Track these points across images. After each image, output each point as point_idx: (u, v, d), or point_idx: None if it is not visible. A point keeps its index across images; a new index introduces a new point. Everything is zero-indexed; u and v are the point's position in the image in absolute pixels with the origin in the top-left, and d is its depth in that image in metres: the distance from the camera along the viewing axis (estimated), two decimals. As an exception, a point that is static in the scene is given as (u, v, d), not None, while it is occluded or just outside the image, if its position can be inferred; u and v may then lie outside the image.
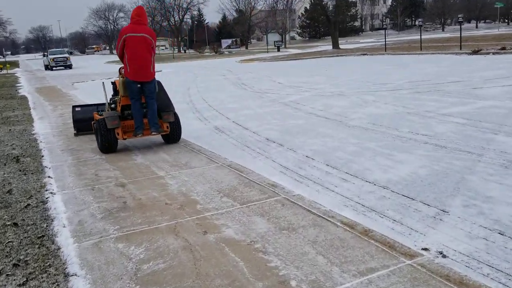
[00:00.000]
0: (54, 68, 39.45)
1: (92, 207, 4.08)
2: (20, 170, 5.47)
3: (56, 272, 2.80)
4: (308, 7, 78.08)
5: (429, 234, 3.38)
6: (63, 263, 2.92)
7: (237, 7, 79.93)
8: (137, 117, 6.21)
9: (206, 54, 58.77)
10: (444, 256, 3.03)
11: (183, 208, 3.94)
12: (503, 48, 21.01)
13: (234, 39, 76.98)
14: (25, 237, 3.37)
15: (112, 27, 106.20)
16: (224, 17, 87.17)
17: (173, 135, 6.61)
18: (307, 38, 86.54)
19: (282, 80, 16.82)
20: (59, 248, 3.16)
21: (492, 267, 2.86)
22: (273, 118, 9.00)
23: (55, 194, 4.50)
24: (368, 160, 5.53)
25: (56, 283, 2.67)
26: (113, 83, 6.84)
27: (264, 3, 60.84)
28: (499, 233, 3.32)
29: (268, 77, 18.68)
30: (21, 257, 3.01)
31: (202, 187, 4.52)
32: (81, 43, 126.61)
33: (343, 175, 5.01)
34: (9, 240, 3.30)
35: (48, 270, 2.81)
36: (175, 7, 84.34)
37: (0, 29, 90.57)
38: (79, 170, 5.50)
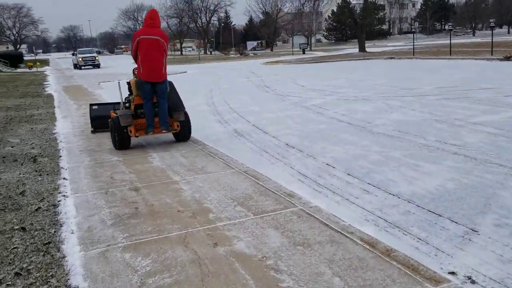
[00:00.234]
0: (82, 67, 40.15)
1: (103, 212, 3.97)
2: (36, 171, 5.44)
3: (58, 283, 2.68)
4: (335, 10, 77.34)
5: (456, 256, 3.13)
6: (66, 274, 2.81)
7: (263, 9, 79.91)
8: (148, 116, 6.48)
9: (231, 56, 58.89)
10: (473, 282, 2.78)
11: (195, 216, 3.78)
12: (538, 54, 20.21)
13: (259, 41, 76.96)
14: (31, 243, 3.28)
15: (140, 28, 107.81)
16: (251, 19, 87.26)
17: (183, 134, 6.90)
18: (333, 41, 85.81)
19: (305, 83, 16.58)
20: (64, 257, 3.05)
21: (527, 297, 2.59)
22: (294, 122, 8.80)
23: (67, 197, 4.42)
24: (392, 171, 5.27)
25: (57, 295, 2.55)
26: (128, 83, 7.06)
27: (290, 6, 60.45)
28: (535, 257, 3.05)
29: (292, 79, 18.46)
30: (24, 266, 2.91)
31: (216, 194, 4.36)
32: (110, 43, 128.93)
33: (364, 186, 4.77)
34: (15, 246, 3.21)
35: (49, 281, 2.69)
36: (202, 9, 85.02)
37: (32, 27, 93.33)
38: (95, 172, 5.43)
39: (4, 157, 6.27)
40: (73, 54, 48.25)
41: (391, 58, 29.45)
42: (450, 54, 25.67)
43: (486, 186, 4.50)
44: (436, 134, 7.01)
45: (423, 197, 4.31)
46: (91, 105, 8.42)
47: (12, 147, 6.95)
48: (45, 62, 61.05)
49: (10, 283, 2.68)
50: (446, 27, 60.11)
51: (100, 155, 6.36)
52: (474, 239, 3.36)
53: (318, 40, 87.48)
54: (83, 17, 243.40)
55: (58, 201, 4.25)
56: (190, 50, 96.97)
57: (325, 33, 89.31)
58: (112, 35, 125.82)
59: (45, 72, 36.05)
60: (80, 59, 40.69)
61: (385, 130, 7.55)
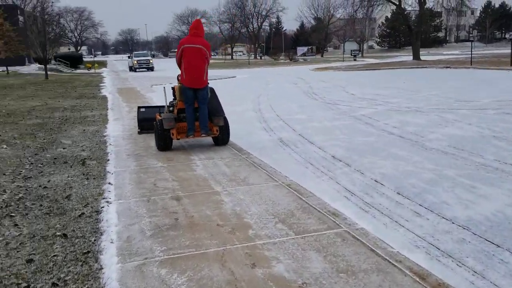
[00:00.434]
0: (137, 70, 41.47)
1: (144, 221, 3.95)
2: (83, 174, 5.55)
3: (92, 296, 2.65)
4: (389, 16, 75.56)
5: (518, 296, 2.83)
6: (102, 287, 2.77)
7: (315, 15, 79.59)
8: (189, 120, 6.84)
9: (281, 61, 58.87)
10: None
11: (234, 232, 3.67)
12: None
13: (310, 47, 76.50)
14: (70, 251, 3.29)
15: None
16: (302, 25, 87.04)
17: (221, 138, 7.18)
18: (386, 48, 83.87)
19: (355, 91, 16.19)
20: (101, 268, 3.02)
21: None
22: (341, 133, 8.54)
23: (111, 203, 4.45)
24: (446, 192, 4.93)
25: (91, 309, 2.51)
26: (173, 88, 7.40)
27: (343, 12, 59.64)
28: None
29: (341, 87, 18.10)
30: (62, 276, 2.91)
31: (257, 208, 4.24)
32: (165, 46, 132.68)
33: (416, 208, 4.48)
34: (55, 254, 3.23)
35: (84, 294, 2.67)
36: (254, 14, 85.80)
37: (92, 30, 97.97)
38: (140, 178, 5.47)
39: (55, 158, 6.47)
40: (128, 57, 50.01)
41: (447, 67, 28.28)
42: (511, 65, 24.27)
43: (553, 215, 4.10)
44: (495, 152, 6.55)
45: (480, 224, 3.98)
46: (139, 107, 8.86)
47: (64, 148, 7.17)
48: (103, 64, 63.73)
49: (46, 293, 2.68)
50: (507, 36, 57.04)
51: (146, 160, 6.43)
52: (539, 277, 3.04)
53: (370, 47, 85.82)
54: (140, 20, 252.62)
55: (101, 207, 4.28)
56: (240, 55, 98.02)
57: (378, 40, 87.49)
58: (167, 39, 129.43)
59: (102, 74, 37.58)
60: (135, 62, 42.09)
61: (438, 146, 7.15)
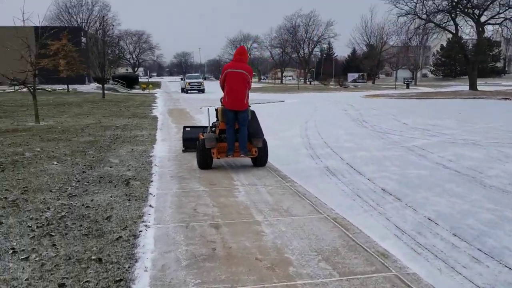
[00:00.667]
0: (188, 91, 42.55)
1: (180, 249, 3.81)
2: (126, 195, 5.54)
3: (119, 331, 2.51)
4: (444, 45, 73.54)
5: None
6: (130, 320, 2.63)
7: (368, 41, 78.79)
8: (230, 140, 7.15)
9: (331, 86, 58.49)
10: None
11: (273, 268, 3.45)
12: None
13: (361, 73, 75.67)
14: (103, 278, 3.19)
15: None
16: (354, 51, 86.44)
17: (260, 159, 7.41)
18: (440, 77, 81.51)
19: (407, 120, 15.60)
20: (131, 299, 2.89)
21: None
22: (392, 164, 8.13)
23: (149, 227, 4.36)
24: (508, 236, 4.47)
25: None
26: (216, 110, 7.73)
27: (396, 39, 58.66)
28: None
29: (393, 115, 17.54)
30: (91, 304, 2.80)
31: (299, 243, 3.99)
32: (217, 69, 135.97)
33: (474, 252, 4.06)
34: (87, 280, 3.14)
35: (111, 327, 2.53)
36: (306, 40, 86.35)
37: (149, 52, 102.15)
38: (181, 201, 5.38)
39: (101, 177, 6.53)
40: (181, 79, 51.52)
41: (506, 99, 26.88)
42: None
43: None
44: None
45: (551, 278, 3.52)
46: (184, 127, 9.30)
47: (111, 167, 7.26)
48: (157, 85, 66.05)
49: (73, 323, 2.57)
50: None
51: (188, 183, 6.36)
52: None
53: (424, 75, 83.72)
54: (195, 44, 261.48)
55: (140, 232, 4.20)
56: (290, 79, 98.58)
57: (432, 68, 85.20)
58: (219, 62, 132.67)
59: (155, 94, 38.80)
60: (187, 83, 43.27)
61: (499, 184, 6.61)
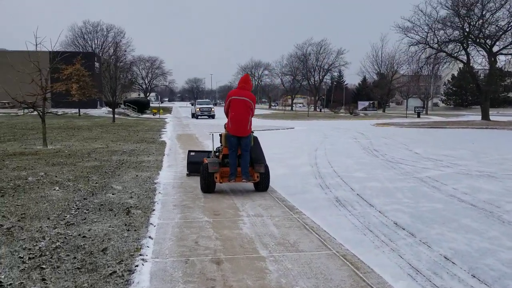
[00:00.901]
0: (199, 117, 42.72)
1: None
2: (125, 224, 5.30)
3: None
4: (456, 74, 73.44)
5: None
6: None
7: (378, 70, 79.00)
8: (232, 165, 7.32)
9: (341, 114, 58.39)
10: None
11: (276, 312, 3.16)
12: None
13: (371, 102, 75.59)
14: (90, 320, 2.94)
15: (256, 83, 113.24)
16: (364, 79, 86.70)
17: (262, 184, 7.53)
18: (451, 106, 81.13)
19: (419, 150, 15.28)
20: None
21: None
22: (404, 196, 7.82)
23: (146, 261, 4.11)
24: (533, 279, 4.13)
25: None
26: (220, 135, 7.92)
27: (407, 68, 58.69)
28: None
29: (404, 145, 17.23)
30: None
31: (305, 283, 3.70)
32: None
33: (496, 298, 3.74)
34: (72, 321, 2.89)
35: None
36: (316, 68, 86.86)
37: (161, 78, 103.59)
38: (182, 233, 5.13)
39: (102, 204, 6.32)
40: (192, 104, 51.85)
41: (522, 129, 26.42)
42: None
43: None
44: None
45: None
46: (189, 151, 9.45)
47: (113, 194, 7.06)
48: (168, 110, 66.58)
49: None
50: None
51: (192, 212, 6.11)
52: None
53: (435, 104, 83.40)
54: (206, 70, 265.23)
55: (135, 266, 3.94)
56: (300, 106, 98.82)
57: (443, 97, 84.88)
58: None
59: (165, 119, 38.96)
60: (198, 109, 43.52)
61: (519, 219, 6.26)
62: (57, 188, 7.40)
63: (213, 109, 44.13)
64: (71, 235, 4.86)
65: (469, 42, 36.50)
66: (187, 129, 26.43)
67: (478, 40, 36.11)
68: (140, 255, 4.27)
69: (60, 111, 26.78)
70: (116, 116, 33.15)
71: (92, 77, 37.28)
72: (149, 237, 4.88)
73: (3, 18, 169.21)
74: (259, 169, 7.41)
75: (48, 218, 5.53)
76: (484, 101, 37.72)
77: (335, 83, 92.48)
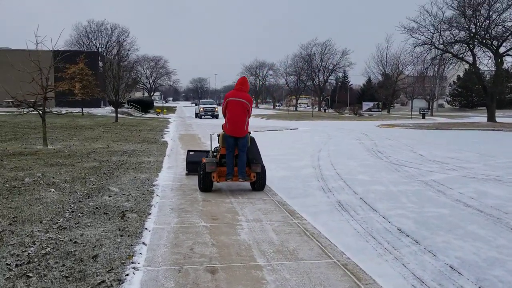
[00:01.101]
0: (202, 117, 42.58)
1: (168, 299, 3.37)
2: (119, 229, 5.13)
3: None
4: (461, 75, 72.96)
5: None
6: None
7: (383, 71, 78.62)
8: (229, 165, 7.48)
9: (345, 115, 58.09)
10: None
11: (271, 327, 2.97)
12: None
13: (376, 102, 75.21)
14: (72, 336, 2.76)
15: (260, 83, 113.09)
16: (369, 80, 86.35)
17: (258, 184, 7.68)
18: (457, 107, 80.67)
19: (424, 152, 15.04)
20: None
21: None
22: (409, 201, 7.60)
23: (138, 270, 3.93)
24: (544, 292, 3.92)
25: None
26: (218, 136, 8.02)
27: (412, 69, 58.32)
28: None
29: (409, 146, 16.99)
30: None
31: (304, 295, 3.51)
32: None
33: (505, 313, 3.53)
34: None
35: None
36: (321, 68, 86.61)
37: (166, 77, 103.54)
38: (177, 238, 4.95)
39: (97, 208, 6.15)
40: (195, 104, 51.70)
41: (528, 131, 26.08)
42: None
43: None
44: None
45: None
46: (188, 151, 9.64)
47: (109, 196, 6.89)
48: (172, 110, 66.50)
49: None
50: None
51: (189, 216, 5.94)
52: None
53: (440, 105, 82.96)
54: (211, 70, 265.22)
55: (126, 275, 3.77)
56: (305, 107, 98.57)
57: (449, 98, 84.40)
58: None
59: (169, 119, 38.83)
60: (201, 109, 43.37)
61: (528, 226, 6.03)
62: (53, 190, 7.24)
63: (216, 109, 43.93)
64: (62, 240, 4.69)
65: (475, 43, 36.15)
66: (190, 129, 26.26)
67: (484, 41, 35.75)
68: (132, 262, 4.09)
69: (64, 110, 26.72)
70: (119, 115, 33.05)
71: (95, 76, 37.21)
72: (143, 243, 4.70)
73: (9, 17, 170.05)
74: (256, 169, 7.54)
75: (41, 222, 5.37)
76: (490, 103, 37.37)
77: (339, 83, 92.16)
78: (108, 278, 3.69)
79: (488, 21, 34.79)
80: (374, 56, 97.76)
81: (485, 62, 37.57)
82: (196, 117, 44.27)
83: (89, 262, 4.05)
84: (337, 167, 11.53)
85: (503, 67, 39.31)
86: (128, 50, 74.69)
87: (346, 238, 5.42)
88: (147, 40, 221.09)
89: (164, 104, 69.72)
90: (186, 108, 79.23)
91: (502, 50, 35.56)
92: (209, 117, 42.64)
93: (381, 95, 74.51)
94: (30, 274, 3.74)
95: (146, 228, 5.25)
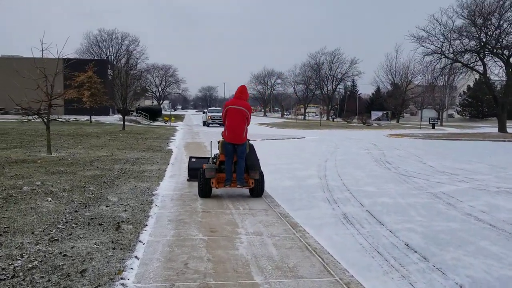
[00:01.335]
0: (210, 125, 42.47)
1: (155, 320, 3.14)
2: (112, 242, 4.92)
3: None
4: (471, 85, 72.26)
5: None
6: None
7: (392, 80, 78.11)
8: (228, 171, 7.62)
9: (354, 124, 57.69)
10: None
11: None
12: None
13: (385, 112, 74.67)
14: None
15: (269, 92, 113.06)
16: (378, 89, 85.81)
17: (256, 190, 7.78)
18: (467, 117, 79.81)
19: (433, 163, 14.69)
20: None
21: None
22: (417, 214, 7.31)
23: (126, 286, 3.71)
24: None
25: None
26: (218, 142, 8.12)
27: (422, 79, 57.83)
28: None
29: (418, 157, 16.64)
30: None
31: (302, 318, 3.26)
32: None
33: None
34: None
35: None
36: (329, 77, 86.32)
37: (175, 86, 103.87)
38: (172, 252, 4.73)
39: (92, 218, 5.96)
40: (203, 112, 51.69)
41: (541, 142, 25.55)
42: None
43: None
44: None
45: None
46: (190, 157, 9.75)
47: (107, 206, 6.70)
48: (180, 118, 66.58)
49: None
50: None
51: (187, 229, 5.71)
52: None
53: (450, 115, 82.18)
54: (220, 79, 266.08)
55: (112, 293, 3.55)
56: (313, 115, 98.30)
57: (459, 109, 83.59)
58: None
59: (176, 127, 38.77)
60: (209, 117, 43.27)
61: (543, 243, 5.72)
62: (49, 199, 7.06)
63: (224, 117, 43.86)
64: (51, 253, 4.49)
65: (486, 52, 35.72)
66: (196, 137, 26.12)
67: (495, 51, 35.33)
68: (121, 278, 3.87)
69: (72, 118, 26.76)
70: (127, 123, 33.05)
71: (104, 85, 37.35)
72: (136, 257, 4.48)
73: (21, 27, 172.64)
74: (254, 176, 7.66)
75: (32, 233, 5.18)
76: (501, 113, 36.79)
77: (348, 92, 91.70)
78: (93, 296, 3.47)
79: (499, 30, 34.39)
80: (383, 65, 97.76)
81: (496, 72, 37.19)
82: (203, 125, 44.21)
83: (76, 278, 3.84)
84: (343, 177, 11.26)
85: (514, 77, 38.70)
86: (138, 59, 75.17)
87: (351, 254, 5.16)
88: (157, 49, 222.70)
89: (173, 112, 69.86)
90: (194, 116, 79.34)
91: (513, 59, 35.09)
92: (217, 125, 42.50)
93: (390, 104, 73.95)
94: (12, 291, 3.54)
95: (140, 241, 5.03)
